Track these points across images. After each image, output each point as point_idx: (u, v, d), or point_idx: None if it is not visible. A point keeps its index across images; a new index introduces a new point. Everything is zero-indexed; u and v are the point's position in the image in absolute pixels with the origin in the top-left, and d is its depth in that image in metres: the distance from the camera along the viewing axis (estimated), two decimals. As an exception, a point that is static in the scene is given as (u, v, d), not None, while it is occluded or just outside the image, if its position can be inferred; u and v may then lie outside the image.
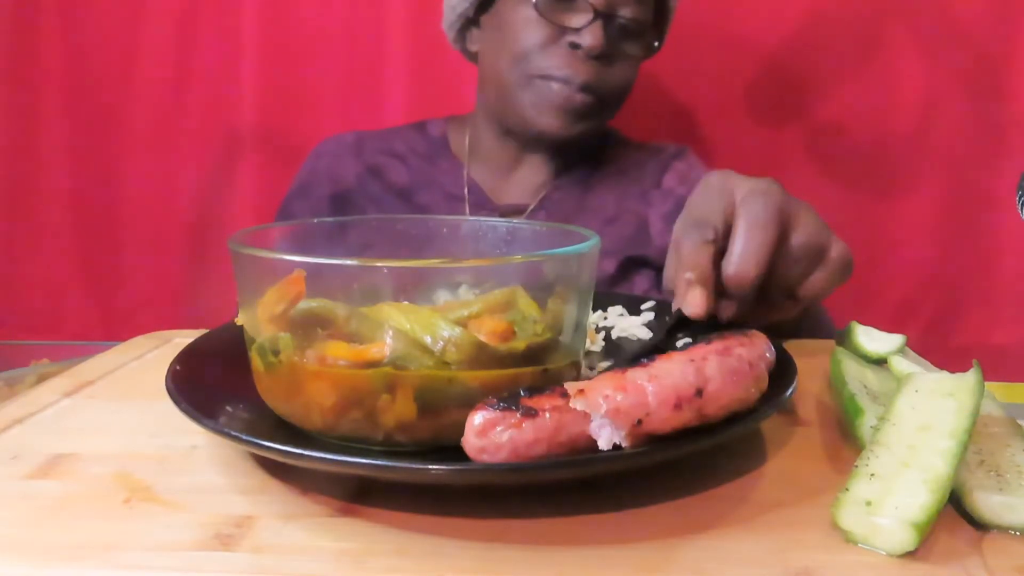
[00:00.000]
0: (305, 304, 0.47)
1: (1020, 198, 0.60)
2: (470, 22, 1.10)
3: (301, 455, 0.42)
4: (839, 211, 1.33)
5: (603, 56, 1.00)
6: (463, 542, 0.40)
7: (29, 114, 1.37)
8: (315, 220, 0.65)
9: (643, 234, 1.09)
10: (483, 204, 1.10)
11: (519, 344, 0.47)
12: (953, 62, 1.28)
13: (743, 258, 0.58)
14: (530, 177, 1.11)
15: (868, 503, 0.39)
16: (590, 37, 0.98)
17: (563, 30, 1.00)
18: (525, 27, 1.01)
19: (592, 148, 1.15)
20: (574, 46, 0.99)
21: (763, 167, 1.32)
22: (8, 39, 1.35)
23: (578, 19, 0.99)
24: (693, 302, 0.57)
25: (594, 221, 1.08)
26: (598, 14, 0.98)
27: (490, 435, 0.41)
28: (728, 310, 0.60)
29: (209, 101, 1.36)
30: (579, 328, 0.52)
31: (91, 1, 1.35)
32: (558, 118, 1.02)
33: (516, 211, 1.10)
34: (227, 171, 1.37)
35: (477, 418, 0.41)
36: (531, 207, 1.10)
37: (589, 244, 0.51)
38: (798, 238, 0.61)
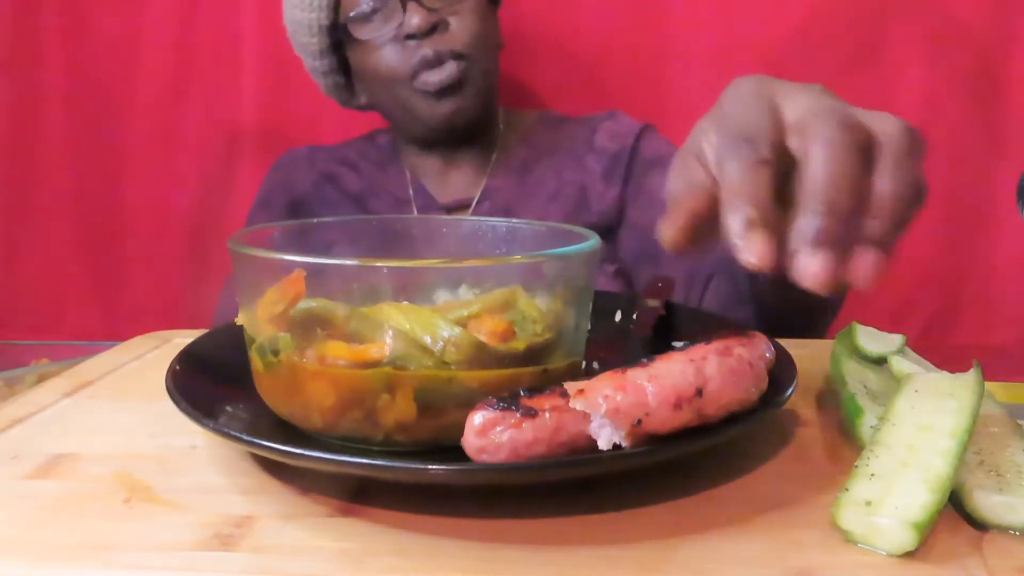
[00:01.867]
0: (305, 304, 0.47)
1: (1020, 198, 0.60)
2: (349, 86, 1.14)
3: (301, 455, 0.42)
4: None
5: (439, 23, 1.02)
6: (463, 542, 0.40)
7: (29, 114, 1.37)
8: (315, 220, 0.65)
9: (584, 203, 1.10)
10: (430, 205, 1.13)
11: (519, 344, 0.47)
12: (953, 62, 1.28)
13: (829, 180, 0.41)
14: (467, 172, 1.14)
15: (868, 503, 0.39)
16: (413, 20, 1.00)
17: (393, 33, 1.02)
18: (370, 57, 1.05)
19: (526, 131, 1.17)
20: (410, 38, 1.01)
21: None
22: (9, 39, 1.35)
23: (394, 16, 1.01)
24: (757, 249, 0.41)
25: (538, 201, 1.10)
26: None
27: (490, 435, 0.41)
28: (815, 267, 0.40)
29: (209, 102, 1.36)
30: (579, 328, 0.52)
31: (92, 2, 1.35)
32: (445, 102, 1.04)
33: (461, 206, 1.13)
34: (227, 171, 1.37)
35: (477, 418, 0.41)
36: (475, 199, 1.12)
37: (589, 244, 0.51)
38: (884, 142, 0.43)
